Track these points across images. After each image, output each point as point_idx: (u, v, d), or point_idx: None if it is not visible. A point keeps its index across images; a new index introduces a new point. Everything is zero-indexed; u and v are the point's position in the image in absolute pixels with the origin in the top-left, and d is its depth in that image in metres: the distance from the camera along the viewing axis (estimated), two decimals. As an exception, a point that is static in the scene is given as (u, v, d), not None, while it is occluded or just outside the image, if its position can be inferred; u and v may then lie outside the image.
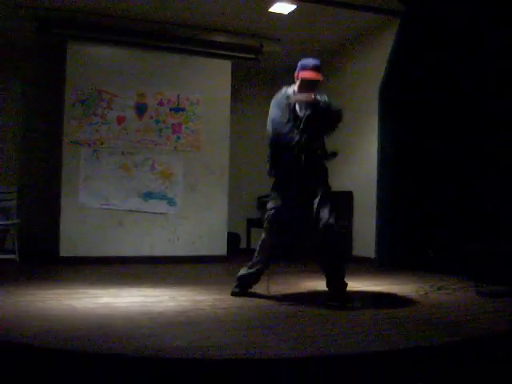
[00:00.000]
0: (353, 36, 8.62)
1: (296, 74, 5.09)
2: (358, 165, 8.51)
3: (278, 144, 4.99)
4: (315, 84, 5.05)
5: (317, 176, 5.09)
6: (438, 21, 7.09)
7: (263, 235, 5.19)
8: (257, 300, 5.00)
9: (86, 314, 4.29)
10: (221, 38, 8.50)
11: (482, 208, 6.78)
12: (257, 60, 8.87)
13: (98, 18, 7.79)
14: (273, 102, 5.10)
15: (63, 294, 5.13)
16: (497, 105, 6.56)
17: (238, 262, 7.09)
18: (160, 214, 8.26)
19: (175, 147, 8.39)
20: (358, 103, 8.58)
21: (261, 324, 4.07)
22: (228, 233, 8.70)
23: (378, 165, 7.93)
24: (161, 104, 8.34)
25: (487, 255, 6.13)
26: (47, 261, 7.78)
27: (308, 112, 4.99)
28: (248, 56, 8.76)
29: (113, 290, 5.46)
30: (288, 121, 4.94)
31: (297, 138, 4.88)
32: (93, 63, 8.08)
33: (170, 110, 8.39)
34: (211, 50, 8.54)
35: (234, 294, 5.17)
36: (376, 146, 7.96)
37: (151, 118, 8.28)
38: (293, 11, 7.59)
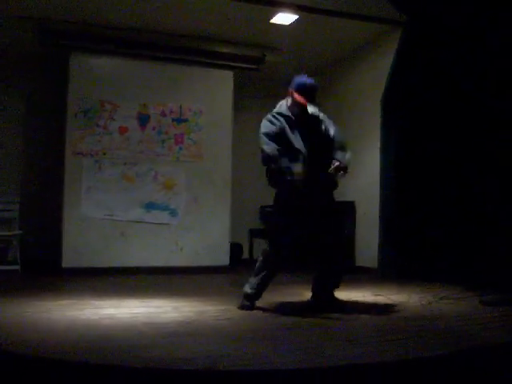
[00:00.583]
0: (355, 46, 8.64)
1: (290, 91, 5.10)
2: (361, 175, 8.49)
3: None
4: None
5: (327, 191, 5.21)
6: (439, 29, 7.10)
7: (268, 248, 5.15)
8: (261, 311, 4.97)
9: (89, 325, 4.28)
10: (223, 49, 8.52)
11: (483, 213, 6.76)
12: (259, 70, 8.89)
13: (100, 29, 7.83)
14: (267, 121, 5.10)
15: (66, 305, 5.12)
16: (497, 105, 6.56)
17: (240, 272, 7.10)
18: (162, 224, 8.26)
19: (178, 158, 8.39)
20: (360, 113, 8.59)
21: (265, 335, 4.05)
22: (230, 243, 8.69)
23: (380, 175, 7.92)
24: (163, 114, 8.36)
25: (490, 264, 6.13)
26: (50, 271, 7.78)
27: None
28: (250, 66, 8.78)
29: (115, 301, 5.45)
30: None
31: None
32: (95, 74, 8.10)
33: (173, 120, 8.40)
34: (213, 60, 8.55)
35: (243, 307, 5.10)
36: (378, 155, 7.96)
37: (154, 128, 8.29)
38: (294, 22, 7.61)
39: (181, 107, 8.46)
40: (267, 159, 4.92)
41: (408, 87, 7.63)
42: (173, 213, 8.31)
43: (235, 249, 9.05)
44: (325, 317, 4.75)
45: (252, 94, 10.00)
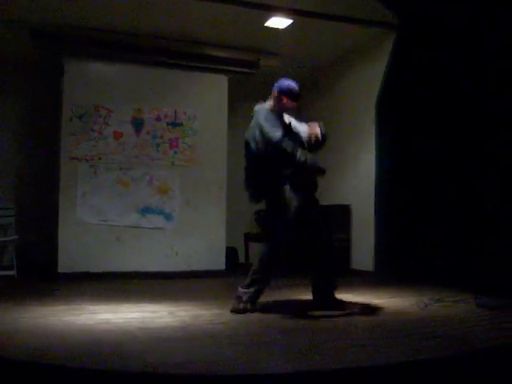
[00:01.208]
0: (349, 49, 8.67)
1: (276, 93, 5.19)
2: (356, 178, 8.51)
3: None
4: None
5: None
6: (433, 31, 7.12)
7: (264, 248, 5.18)
8: (256, 315, 4.97)
9: (85, 330, 4.27)
10: (217, 53, 8.53)
11: (482, 214, 6.77)
12: (253, 74, 8.90)
13: (95, 33, 7.83)
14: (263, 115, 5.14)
15: (62, 310, 5.11)
16: (495, 105, 6.57)
17: (236, 276, 7.09)
18: (158, 229, 8.25)
19: (172, 162, 8.40)
20: (355, 116, 8.61)
21: (260, 339, 4.05)
22: (226, 247, 8.68)
23: (375, 178, 7.94)
24: (158, 119, 8.36)
25: (487, 267, 6.13)
26: (45, 277, 7.77)
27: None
28: (245, 70, 8.79)
29: (111, 306, 5.43)
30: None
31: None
32: (90, 79, 8.10)
33: (167, 124, 8.41)
34: (208, 64, 8.56)
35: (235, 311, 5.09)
36: (374, 158, 7.99)
37: (148, 133, 8.29)
38: (289, 26, 7.64)
39: (175, 111, 8.46)
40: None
41: (403, 89, 7.66)
42: (168, 217, 8.31)
43: (231, 253, 9.04)
44: (321, 320, 4.76)
45: (247, 98, 9.99)
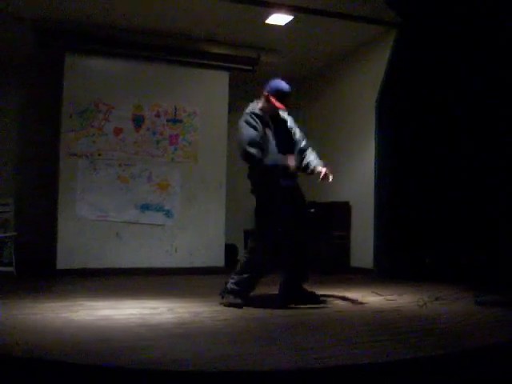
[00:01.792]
0: (349, 47, 8.65)
1: (266, 94, 5.26)
2: (356, 175, 8.51)
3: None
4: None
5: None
6: (434, 30, 7.12)
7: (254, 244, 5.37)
8: (255, 311, 4.97)
9: (84, 327, 4.26)
10: (218, 50, 8.52)
11: (482, 215, 6.77)
12: (254, 71, 8.87)
13: (95, 29, 7.83)
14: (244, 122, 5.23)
15: (61, 307, 5.10)
16: (498, 104, 6.58)
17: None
18: (157, 225, 8.25)
19: (172, 159, 8.39)
20: (356, 113, 8.61)
21: (260, 335, 4.05)
22: (225, 244, 8.68)
23: (375, 175, 7.93)
24: (158, 115, 8.35)
25: (486, 265, 6.13)
26: (44, 273, 7.76)
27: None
28: (245, 67, 8.76)
29: (111, 302, 5.43)
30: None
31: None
32: (90, 75, 8.08)
33: (167, 121, 8.39)
34: (208, 61, 8.56)
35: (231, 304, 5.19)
36: (373, 155, 7.98)
37: (148, 129, 8.28)
38: (290, 22, 7.62)
39: (175, 108, 8.45)
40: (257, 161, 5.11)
41: (403, 88, 7.65)
42: (167, 214, 8.30)
43: (230, 250, 9.04)
44: (321, 318, 4.76)
45: (247, 95, 9.97)
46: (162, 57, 8.35)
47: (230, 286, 5.25)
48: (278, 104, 5.19)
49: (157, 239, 8.23)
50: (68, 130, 7.89)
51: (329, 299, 5.62)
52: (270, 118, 5.28)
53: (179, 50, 8.36)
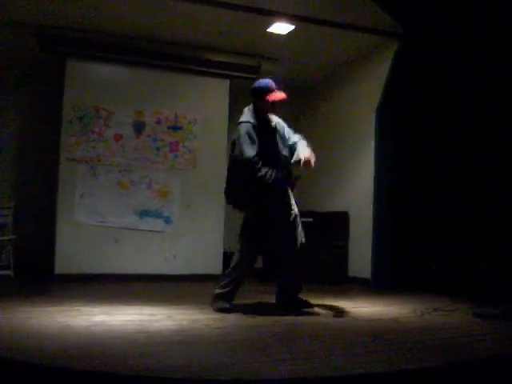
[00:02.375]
0: (351, 56, 8.67)
1: (261, 97, 5.34)
2: (354, 185, 8.51)
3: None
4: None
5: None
6: (435, 41, 7.14)
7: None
8: (253, 319, 4.98)
9: (81, 332, 4.26)
10: (219, 58, 8.54)
11: (481, 223, 6.76)
12: (255, 79, 8.87)
13: (97, 35, 7.86)
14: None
15: (58, 312, 5.10)
16: (498, 110, 6.59)
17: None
18: (156, 232, 8.25)
19: (172, 165, 8.40)
20: (355, 123, 8.61)
21: (257, 344, 4.04)
22: (223, 252, 8.67)
23: (374, 185, 7.92)
24: (158, 122, 8.36)
25: (485, 276, 6.13)
26: (42, 277, 7.76)
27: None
28: (246, 75, 8.77)
29: (108, 308, 5.43)
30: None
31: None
32: (91, 81, 8.11)
33: (168, 128, 8.41)
34: (209, 69, 8.58)
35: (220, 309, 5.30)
36: (372, 165, 7.97)
37: (149, 136, 8.29)
38: (291, 32, 7.64)
39: (176, 115, 8.46)
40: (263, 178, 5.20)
41: (404, 97, 7.66)
42: (167, 220, 8.30)
43: (228, 257, 9.02)
44: (317, 327, 4.75)
45: (247, 103, 10.00)
46: (164, 64, 8.36)
47: (216, 290, 5.41)
48: (278, 95, 5.28)
49: (156, 245, 8.23)
50: (68, 136, 7.90)
51: (326, 308, 5.62)
52: (263, 121, 5.35)
53: (181, 57, 8.38)
